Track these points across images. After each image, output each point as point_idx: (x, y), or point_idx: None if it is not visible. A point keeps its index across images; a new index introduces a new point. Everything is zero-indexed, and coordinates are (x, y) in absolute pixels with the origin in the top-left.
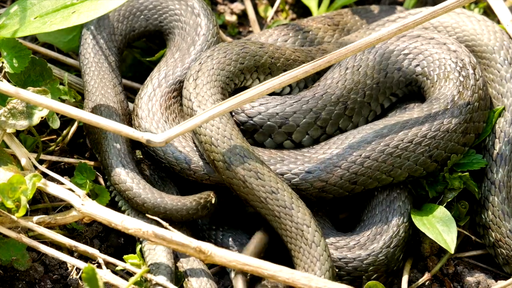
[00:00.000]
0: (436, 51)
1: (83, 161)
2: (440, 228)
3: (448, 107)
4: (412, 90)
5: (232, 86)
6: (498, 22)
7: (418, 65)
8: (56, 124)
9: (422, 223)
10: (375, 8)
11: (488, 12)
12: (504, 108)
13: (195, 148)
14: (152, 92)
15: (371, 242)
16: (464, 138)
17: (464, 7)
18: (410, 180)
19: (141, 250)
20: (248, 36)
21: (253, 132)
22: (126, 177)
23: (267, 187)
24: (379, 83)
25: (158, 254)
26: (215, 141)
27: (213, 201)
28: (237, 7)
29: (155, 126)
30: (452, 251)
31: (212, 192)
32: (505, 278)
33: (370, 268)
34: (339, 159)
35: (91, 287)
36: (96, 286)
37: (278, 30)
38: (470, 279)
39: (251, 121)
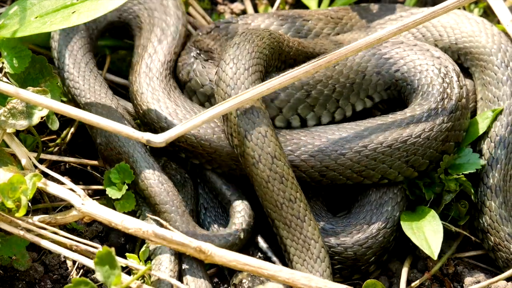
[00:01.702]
0: (419, 57)
1: (121, 164)
2: (427, 233)
3: (431, 114)
4: (392, 94)
5: (266, 72)
6: (498, 22)
7: (398, 70)
8: (55, 126)
9: (410, 227)
10: (374, 8)
11: (488, 12)
12: (500, 112)
13: (177, 110)
14: (147, 68)
15: (346, 234)
16: (444, 146)
17: (464, 8)
18: (405, 181)
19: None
20: (245, 15)
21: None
22: (159, 186)
23: (287, 193)
24: (354, 83)
25: (162, 271)
26: (249, 135)
27: (241, 236)
28: (237, 7)
29: (156, 97)
30: (435, 257)
31: (241, 228)
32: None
33: (336, 257)
34: (314, 149)
35: (108, 266)
36: (114, 266)
37: (274, 16)
38: (470, 279)
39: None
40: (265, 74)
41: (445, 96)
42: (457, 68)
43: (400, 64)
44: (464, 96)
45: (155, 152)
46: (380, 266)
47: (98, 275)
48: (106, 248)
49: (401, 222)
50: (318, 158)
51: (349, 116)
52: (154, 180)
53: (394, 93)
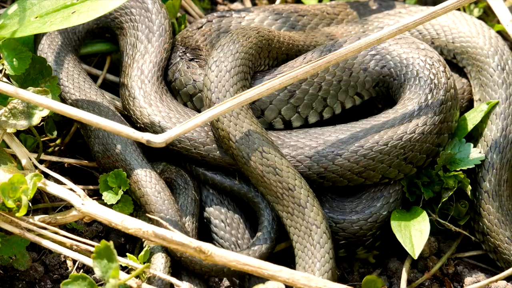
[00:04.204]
0: (404, 51)
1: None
2: (413, 232)
3: (422, 107)
4: (380, 91)
5: (253, 71)
6: (498, 22)
7: (384, 66)
8: (54, 133)
9: (398, 224)
10: (373, 4)
11: (488, 12)
12: (495, 107)
13: (171, 115)
14: (139, 71)
15: (326, 210)
16: (439, 139)
17: (464, 8)
18: (406, 180)
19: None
20: (239, 9)
21: None
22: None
23: (284, 183)
24: (341, 81)
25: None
26: (233, 137)
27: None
28: (237, 7)
29: (148, 99)
30: (415, 257)
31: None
32: (505, 278)
33: None
34: (311, 150)
35: (107, 260)
36: (112, 259)
37: (270, 9)
38: (470, 279)
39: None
40: (254, 72)
41: (433, 87)
42: (443, 59)
43: (387, 59)
44: (453, 86)
45: (155, 155)
46: (352, 254)
47: (96, 270)
48: (105, 242)
49: (391, 219)
50: (315, 158)
51: (338, 113)
52: (151, 188)
53: (383, 90)
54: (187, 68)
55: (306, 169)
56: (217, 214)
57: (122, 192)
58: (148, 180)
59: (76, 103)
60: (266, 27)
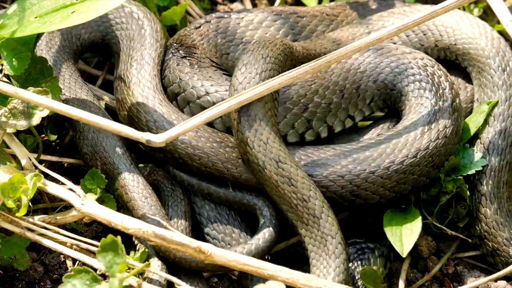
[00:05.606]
0: (403, 62)
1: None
2: (404, 231)
3: (436, 111)
4: (376, 106)
5: None
6: (498, 22)
7: (377, 79)
8: (52, 136)
9: (390, 224)
10: (373, 4)
11: (488, 12)
12: (493, 109)
13: (177, 116)
14: (138, 66)
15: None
16: (457, 136)
17: (464, 8)
18: None
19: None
20: (237, 10)
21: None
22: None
23: (299, 194)
24: (331, 103)
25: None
26: (251, 143)
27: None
28: (237, 7)
29: (146, 93)
30: (404, 255)
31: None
32: (504, 278)
33: None
34: (343, 169)
35: (113, 254)
36: (118, 253)
37: (269, 11)
38: (470, 279)
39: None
40: None
41: (439, 88)
42: (434, 60)
43: (387, 72)
44: (454, 87)
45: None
46: None
47: (100, 265)
48: (112, 237)
49: (384, 218)
50: (348, 178)
51: (324, 137)
52: (138, 193)
53: (379, 103)
54: (177, 65)
55: (339, 188)
56: (210, 214)
57: (100, 190)
58: (135, 185)
59: (66, 103)
60: (282, 38)
